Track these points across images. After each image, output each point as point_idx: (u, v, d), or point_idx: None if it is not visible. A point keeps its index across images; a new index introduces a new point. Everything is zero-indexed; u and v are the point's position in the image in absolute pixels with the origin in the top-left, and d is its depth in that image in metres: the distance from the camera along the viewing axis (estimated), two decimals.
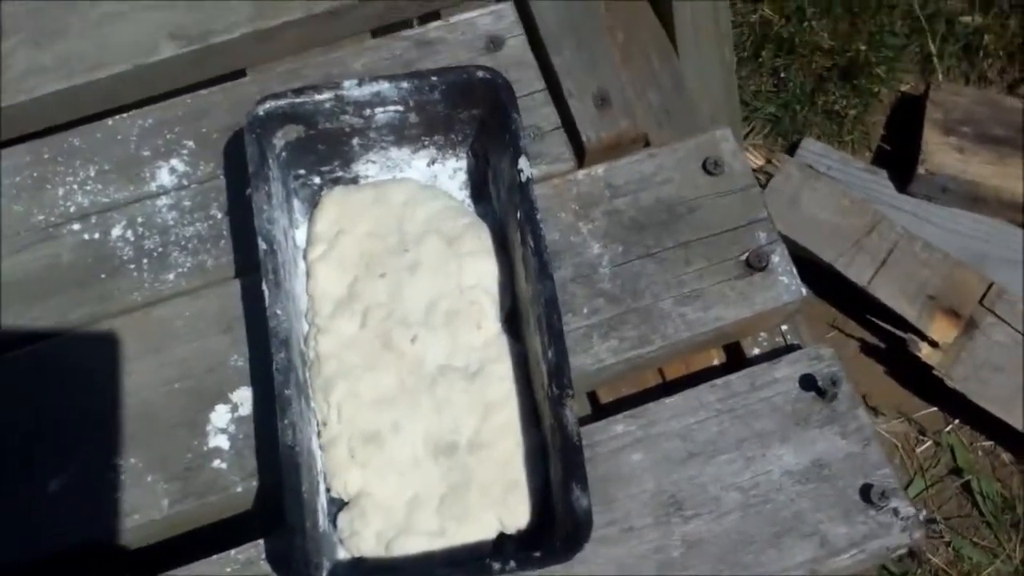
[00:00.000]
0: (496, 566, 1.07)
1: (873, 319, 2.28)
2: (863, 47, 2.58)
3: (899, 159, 2.48)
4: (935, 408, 2.29)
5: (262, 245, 1.19)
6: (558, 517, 1.13)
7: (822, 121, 2.58)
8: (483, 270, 1.28)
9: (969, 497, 2.21)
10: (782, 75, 2.61)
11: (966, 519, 2.20)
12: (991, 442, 2.25)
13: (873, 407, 2.28)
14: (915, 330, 2.19)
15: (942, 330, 2.19)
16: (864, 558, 1.18)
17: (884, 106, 2.61)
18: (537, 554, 1.08)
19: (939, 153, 2.36)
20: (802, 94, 2.59)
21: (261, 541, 1.18)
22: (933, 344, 2.18)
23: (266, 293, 1.17)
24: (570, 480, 1.09)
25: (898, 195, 2.42)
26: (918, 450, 2.26)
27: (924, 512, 2.17)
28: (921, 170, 2.35)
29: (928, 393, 2.27)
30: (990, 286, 2.21)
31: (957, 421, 2.27)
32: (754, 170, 2.33)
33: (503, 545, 1.18)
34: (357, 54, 1.46)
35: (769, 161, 2.39)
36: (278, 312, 1.17)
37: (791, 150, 2.51)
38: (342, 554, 1.17)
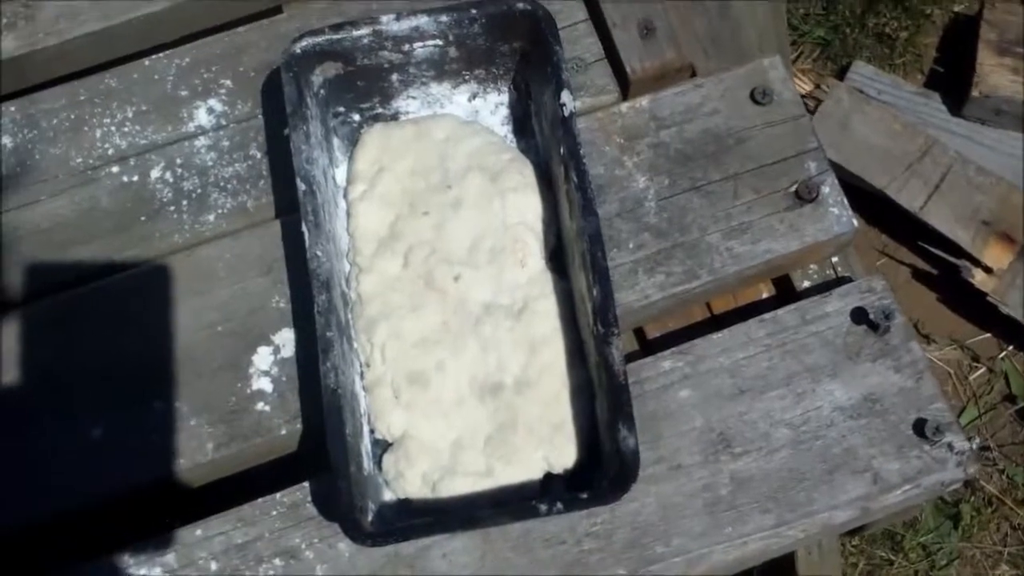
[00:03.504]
0: (543, 508, 1.06)
1: (926, 245, 2.24)
2: None
3: (952, 82, 2.42)
4: (989, 334, 2.26)
5: (301, 186, 1.17)
6: (605, 457, 1.12)
7: (873, 44, 2.52)
8: (526, 206, 1.26)
9: (1023, 424, 2.19)
10: None
11: (1020, 446, 2.18)
12: None
13: (926, 334, 2.25)
14: (969, 256, 2.16)
15: (996, 255, 2.15)
16: (918, 493, 1.17)
17: (936, 27, 2.55)
18: (584, 496, 1.07)
19: (993, 75, 2.31)
20: (852, 16, 2.53)
21: (307, 483, 1.18)
22: (987, 270, 2.15)
23: (306, 235, 1.16)
24: (616, 420, 1.07)
25: (951, 118, 2.37)
26: (971, 377, 2.23)
27: (977, 439, 2.15)
28: (975, 92, 2.29)
29: (982, 319, 2.24)
30: None
31: (1011, 347, 2.24)
32: (803, 95, 2.29)
33: (550, 484, 1.17)
34: None
35: (818, 86, 2.34)
36: (318, 254, 1.15)
37: (841, 74, 2.46)
38: (388, 496, 1.17)
